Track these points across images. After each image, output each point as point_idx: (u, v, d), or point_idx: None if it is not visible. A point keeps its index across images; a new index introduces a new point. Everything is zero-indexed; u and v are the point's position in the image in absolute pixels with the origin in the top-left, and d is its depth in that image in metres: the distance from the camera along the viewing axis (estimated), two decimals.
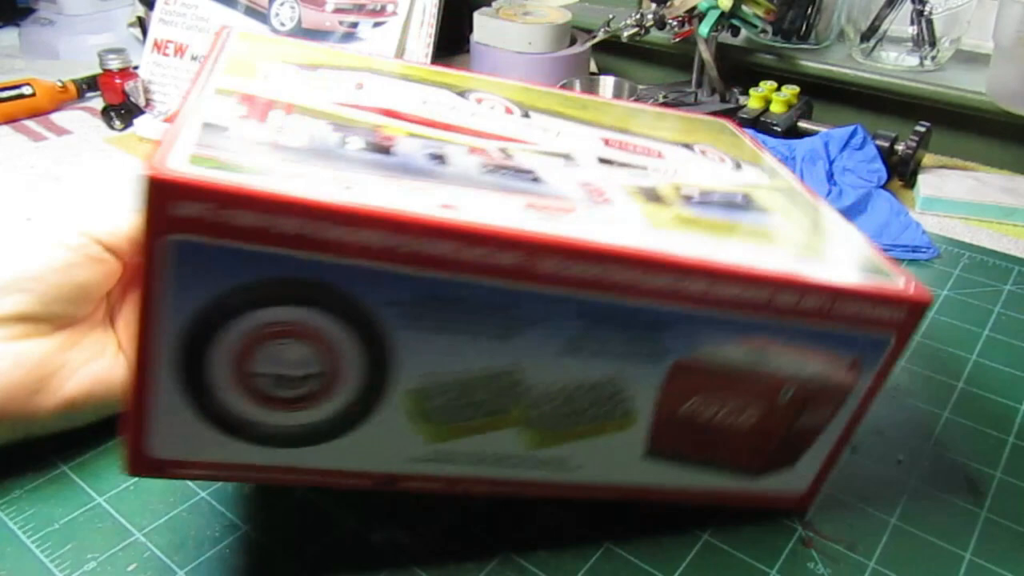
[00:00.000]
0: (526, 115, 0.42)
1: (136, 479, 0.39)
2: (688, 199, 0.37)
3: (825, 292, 0.33)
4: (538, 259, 0.29)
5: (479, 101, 0.42)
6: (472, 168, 0.34)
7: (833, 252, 0.36)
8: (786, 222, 0.37)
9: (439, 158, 0.34)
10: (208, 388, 0.30)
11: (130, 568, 0.35)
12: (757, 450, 0.36)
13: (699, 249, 0.32)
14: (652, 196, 0.36)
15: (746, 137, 0.49)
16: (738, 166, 0.43)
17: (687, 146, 0.43)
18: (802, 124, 0.79)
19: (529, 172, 0.35)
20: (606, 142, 0.41)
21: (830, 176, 0.70)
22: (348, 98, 0.38)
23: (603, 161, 0.39)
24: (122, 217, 0.40)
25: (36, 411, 0.38)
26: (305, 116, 0.34)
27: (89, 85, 0.87)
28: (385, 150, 0.33)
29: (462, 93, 0.42)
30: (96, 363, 0.40)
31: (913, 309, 0.34)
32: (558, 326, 0.31)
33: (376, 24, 0.83)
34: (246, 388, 0.30)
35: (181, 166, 0.26)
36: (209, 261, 0.27)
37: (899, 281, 0.34)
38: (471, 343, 0.30)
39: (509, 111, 0.42)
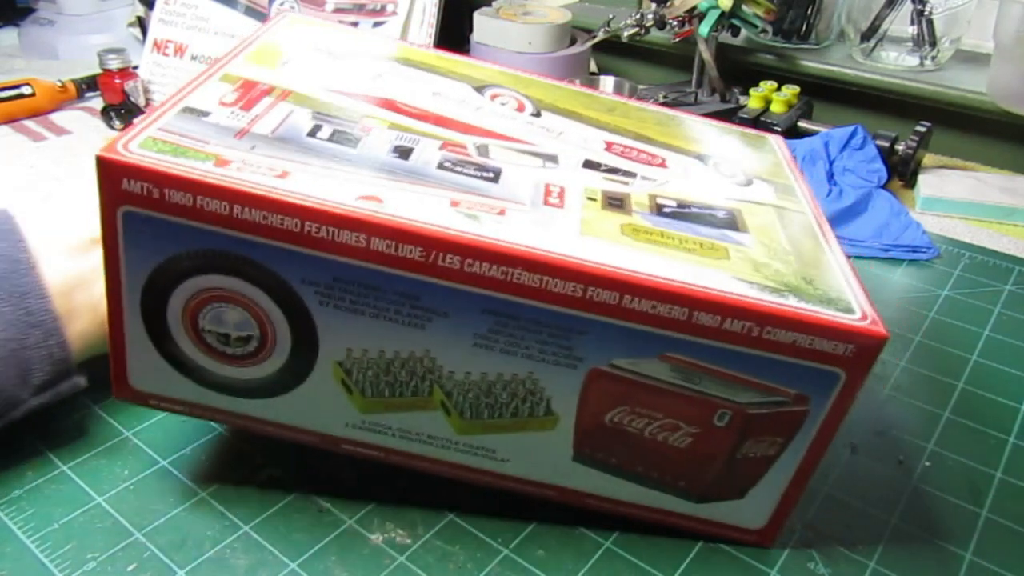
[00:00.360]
0: (537, 114, 0.42)
1: (136, 479, 0.39)
2: (659, 209, 0.36)
3: (749, 316, 0.31)
4: (438, 255, 0.30)
5: (493, 97, 0.43)
6: (431, 163, 0.35)
7: (792, 279, 0.34)
8: (758, 243, 0.36)
9: (403, 151, 0.35)
10: (169, 337, 0.34)
11: (130, 568, 0.35)
12: (697, 473, 0.35)
13: (618, 260, 0.31)
14: (615, 203, 0.36)
15: (783, 154, 0.46)
16: (749, 182, 0.41)
17: (701, 157, 0.43)
18: (802, 124, 0.79)
19: (492, 171, 0.36)
20: (608, 146, 0.41)
21: (830, 176, 0.70)
22: (357, 87, 0.40)
23: (589, 165, 0.39)
24: None
25: None
26: (293, 104, 0.36)
27: (89, 85, 0.87)
28: (352, 141, 0.35)
29: (480, 88, 0.43)
30: None
31: (863, 346, 0.31)
32: (465, 320, 0.32)
33: (376, 24, 0.83)
34: (199, 341, 0.34)
35: (131, 148, 0.30)
36: (153, 231, 0.31)
37: (854, 316, 0.32)
38: (385, 327, 0.32)
39: (521, 108, 0.42)
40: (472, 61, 0.46)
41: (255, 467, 0.40)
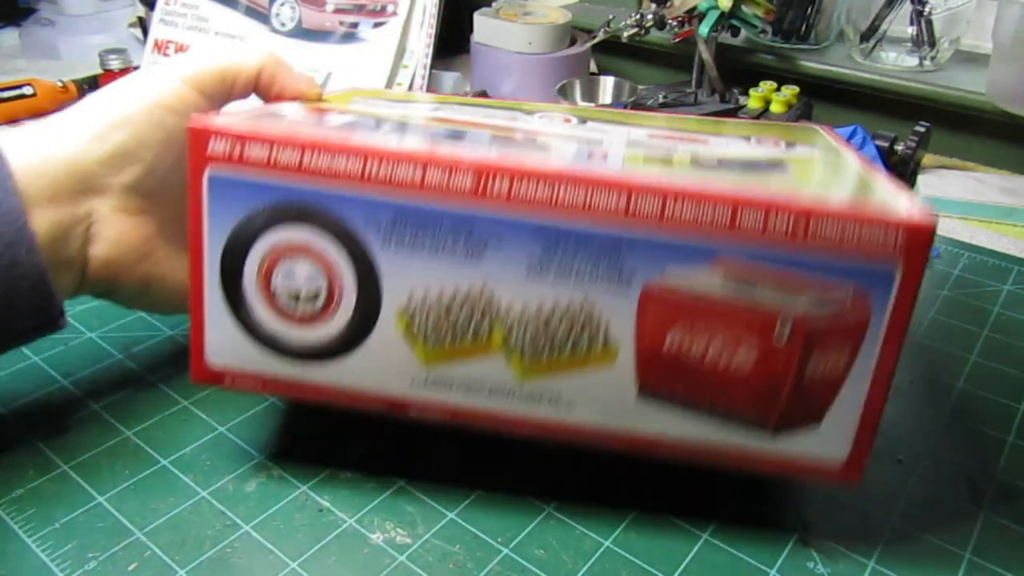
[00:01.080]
0: (583, 122, 0.45)
1: (136, 479, 0.39)
2: (699, 163, 0.37)
3: (793, 211, 0.31)
4: (488, 181, 0.33)
5: (541, 116, 0.46)
6: (483, 140, 0.38)
7: (833, 189, 0.33)
8: (800, 173, 0.36)
9: (457, 135, 0.38)
10: (244, 303, 0.36)
11: (130, 568, 0.35)
12: (767, 399, 0.34)
13: (658, 176, 0.33)
14: (655, 160, 0.37)
15: (830, 135, 0.47)
16: (792, 146, 0.42)
17: (745, 138, 0.44)
18: None
19: (540, 145, 0.38)
20: (651, 135, 0.43)
21: None
22: (415, 114, 0.44)
23: (631, 144, 0.40)
24: (216, 56, 0.42)
25: (114, 285, 0.40)
26: (358, 116, 0.40)
27: (90, 85, 0.87)
28: (411, 131, 0.38)
29: (531, 112, 0.47)
30: (165, 264, 0.41)
31: (912, 234, 0.31)
32: (518, 247, 0.33)
33: (376, 24, 0.83)
34: (271, 305, 0.36)
35: (216, 120, 0.34)
36: (233, 190, 0.34)
37: (900, 208, 0.32)
38: (443, 263, 0.34)
39: (567, 121, 0.45)
40: (525, 102, 0.51)
41: (255, 467, 0.40)
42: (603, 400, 0.35)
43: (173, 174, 0.40)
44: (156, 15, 0.87)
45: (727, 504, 0.39)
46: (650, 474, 0.41)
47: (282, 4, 0.85)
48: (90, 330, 0.50)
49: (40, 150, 0.37)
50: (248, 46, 0.43)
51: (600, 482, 0.40)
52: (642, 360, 0.34)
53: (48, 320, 0.38)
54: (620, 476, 0.41)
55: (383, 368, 0.36)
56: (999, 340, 0.53)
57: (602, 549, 0.37)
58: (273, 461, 0.41)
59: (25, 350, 0.48)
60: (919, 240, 0.31)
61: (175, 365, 0.47)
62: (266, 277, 0.36)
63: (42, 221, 0.36)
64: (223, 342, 0.37)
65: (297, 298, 0.36)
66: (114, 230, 0.39)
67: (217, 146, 0.34)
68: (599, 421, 0.36)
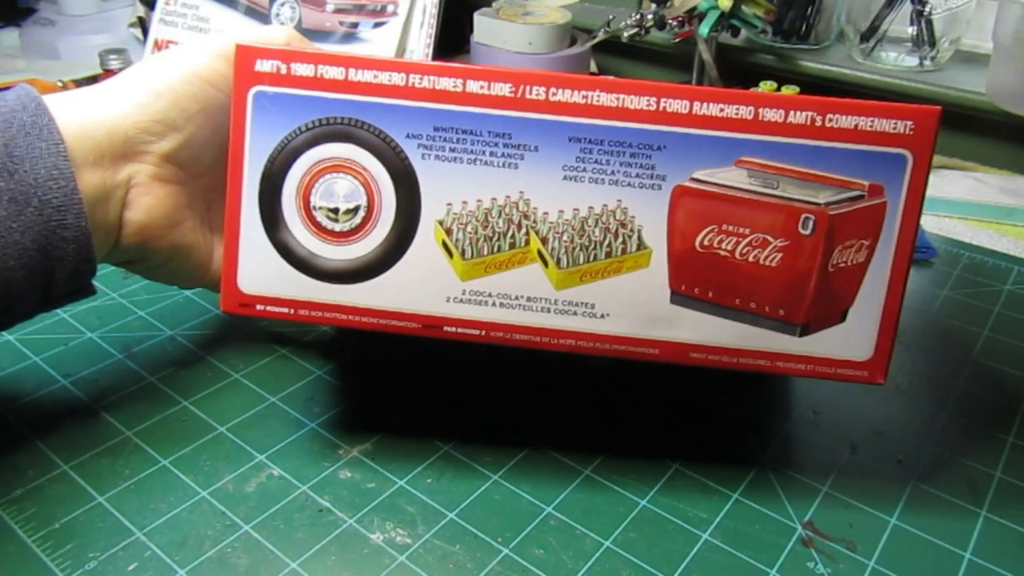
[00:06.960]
0: None
1: (136, 479, 0.39)
2: None
3: (810, 106, 0.34)
4: (525, 88, 0.35)
5: None
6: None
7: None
8: None
9: None
10: (282, 222, 0.37)
11: (131, 568, 0.35)
12: (794, 296, 0.36)
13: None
14: None
15: None
16: None
17: None
18: None
19: None
20: None
21: None
22: None
23: None
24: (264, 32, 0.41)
25: (144, 252, 0.40)
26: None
27: (90, 85, 0.88)
28: None
29: None
30: (191, 235, 0.42)
31: (921, 121, 0.34)
32: (554, 152, 0.35)
33: (376, 24, 0.83)
34: (310, 221, 0.37)
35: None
36: (278, 107, 0.36)
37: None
38: (481, 172, 0.36)
39: None
40: None
41: (255, 467, 0.40)
42: (637, 307, 0.37)
43: (208, 147, 0.41)
44: (156, 15, 0.87)
45: (728, 504, 0.39)
46: (650, 473, 0.41)
47: (282, 4, 0.85)
48: (90, 330, 0.50)
49: (85, 113, 0.38)
50: (274, 26, 0.43)
51: (599, 482, 0.40)
52: (675, 261, 0.36)
53: (83, 285, 0.39)
54: (620, 475, 0.41)
55: (420, 284, 0.37)
56: (999, 340, 0.53)
57: (602, 549, 0.37)
58: (273, 461, 0.41)
59: (25, 350, 0.48)
60: (927, 126, 0.34)
61: (175, 365, 0.47)
62: (306, 194, 0.36)
63: (86, 184, 0.37)
64: (257, 267, 0.37)
65: (336, 212, 0.36)
66: (150, 197, 0.39)
67: (264, 64, 0.35)
68: (633, 329, 0.37)
